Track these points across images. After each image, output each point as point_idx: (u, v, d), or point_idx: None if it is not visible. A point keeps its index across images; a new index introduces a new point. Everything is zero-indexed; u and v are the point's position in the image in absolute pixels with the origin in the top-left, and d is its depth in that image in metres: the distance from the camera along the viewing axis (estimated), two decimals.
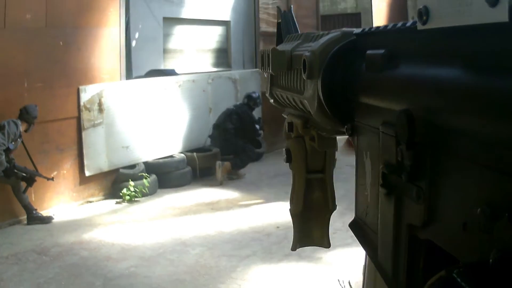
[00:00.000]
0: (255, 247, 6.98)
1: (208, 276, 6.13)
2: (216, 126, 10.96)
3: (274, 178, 10.40)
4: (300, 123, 1.06)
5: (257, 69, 13.21)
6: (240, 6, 13.33)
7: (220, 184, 10.40)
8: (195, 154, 10.77)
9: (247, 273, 6.20)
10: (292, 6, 1.43)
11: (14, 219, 7.95)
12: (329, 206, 1.15)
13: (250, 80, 12.74)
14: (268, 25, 13.42)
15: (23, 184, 7.81)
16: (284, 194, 9.11)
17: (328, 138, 1.01)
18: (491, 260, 0.42)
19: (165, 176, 10.05)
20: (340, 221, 6.36)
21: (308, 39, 1.00)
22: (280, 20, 1.37)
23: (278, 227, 7.54)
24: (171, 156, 10.50)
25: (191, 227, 7.81)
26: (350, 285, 4.45)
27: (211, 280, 6.02)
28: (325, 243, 1.17)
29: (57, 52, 8.47)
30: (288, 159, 1.15)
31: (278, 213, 8.07)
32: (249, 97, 11.14)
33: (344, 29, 0.87)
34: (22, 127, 7.66)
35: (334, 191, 1.18)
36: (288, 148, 1.14)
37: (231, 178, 10.70)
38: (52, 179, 8.22)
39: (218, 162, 10.57)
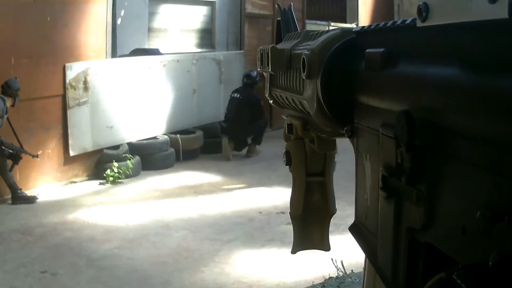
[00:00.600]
0: (237, 231, 7.01)
1: (191, 259, 6.16)
2: (229, 120, 11.04)
3: (257, 163, 10.44)
4: (300, 124, 1.05)
5: (242, 51, 13.16)
6: None
7: (227, 160, 10.72)
8: (178, 136, 10.77)
9: (229, 257, 6.23)
10: (292, 4, 1.44)
11: None
12: (329, 209, 1.14)
13: (234, 61, 12.70)
14: (253, 7, 13.36)
15: (9, 162, 7.78)
16: (266, 180, 9.17)
17: (328, 140, 1.00)
18: (490, 263, 0.42)
19: (149, 157, 10.03)
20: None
21: (308, 37, 0.99)
22: (279, 18, 1.37)
23: (260, 212, 7.59)
24: (155, 138, 10.48)
25: (174, 210, 7.83)
26: (342, 265, 4.50)
27: (194, 263, 6.05)
28: (325, 246, 1.17)
29: (44, 28, 8.40)
30: (288, 162, 1.13)
31: (261, 198, 8.12)
32: (248, 76, 11.22)
33: (344, 27, 0.87)
34: (8, 102, 7.63)
35: (334, 194, 1.18)
36: (288, 150, 1.12)
37: (249, 156, 11.01)
38: (37, 156, 8.19)
39: (224, 140, 10.81)
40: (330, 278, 4.44)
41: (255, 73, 11.07)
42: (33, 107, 8.31)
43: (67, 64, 8.81)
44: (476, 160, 0.46)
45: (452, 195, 0.51)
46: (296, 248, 1.18)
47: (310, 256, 5.79)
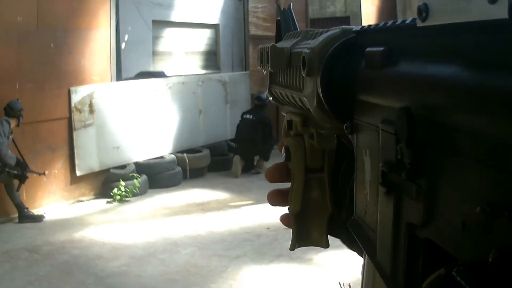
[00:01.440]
0: (245, 247, 6.99)
1: (199, 275, 6.14)
2: (241, 140, 11.12)
3: (264, 180, 10.24)
4: (299, 121, 1.03)
5: (247, 72, 13.22)
6: (229, 9, 13.33)
7: (235, 177, 10.79)
8: (185, 155, 10.80)
9: (237, 273, 6.21)
10: (291, 4, 1.44)
11: (5, 217, 7.95)
12: (328, 206, 1.14)
13: (239, 82, 12.77)
14: (257, 29, 13.43)
15: (16, 182, 7.82)
16: None
17: (328, 136, 0.98)
18: (490, 259, 0.41)
19: (156, 176, 10.05)
20: None
21: (308, 36, 0.98)
22: (279, 18, 1.36)
23: (268, 228, 7.56)
24: (162, 157, 10.50)
25: (181, 227, 7.82)
26: None
27: (202, 279, 6.03)
28: (324, 243, 1.16)
29: (48, 54, 8.48)
30: (287, 158, 1.14)
31: (268, 214, 8.09)
32: (258, 98, 11.36)
33: (344, 26, 0.85)
34: (12, 123, 7.70)
35: (332, 191, 1.17)
36: (287, 146, 1.09)
37: (258, 172, 11.08)
38: (44, 173, 8.22)
39: (236, 157, 10.91)
40: None
41: (265, 95, 11.12)
42: (39, 130, 8.36)
43: (72, 88, 8.88)
44: (476, 156, 0.46)
45: (452, 190, 0.51)
46: (295, 244, 1.17)
47: (319, 273, 5.82)
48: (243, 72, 13.29)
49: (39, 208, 8.36)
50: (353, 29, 0.80)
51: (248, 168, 11.17)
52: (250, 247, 7.01)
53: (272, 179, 1.07)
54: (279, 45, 1.05)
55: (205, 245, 7.10)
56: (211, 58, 13.34)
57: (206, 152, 11.23)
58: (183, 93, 11.14)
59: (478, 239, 0.45)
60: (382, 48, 0.64)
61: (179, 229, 7.73)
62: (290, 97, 1.01)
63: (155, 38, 11.86)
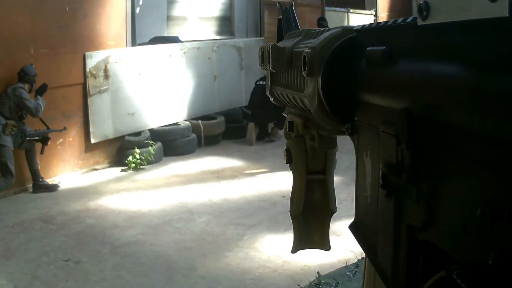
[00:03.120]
0: (261, 216, 7.00)
1: (215, 244, 6.15)
2: (255, 106, 11.08)
3: (279, 148, 10.38)
4: (301, 122, 1.05)
5: (262, 38, 13.16)
6: None
7: (250, 145, 10.87)
8: (200, 122, 10.80)
9: (253, 241, 6.22)
10: (293, 2, 1.42)
11: (19, 187, 7.94)
12: (330, 207, 1.14)
13: (254, 48, 12.66)
14: None
15: (38, 147, 7.84)
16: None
17: (329, 138, 1.01)
18: (490, 261, 0.42)
19: (171, 143, 10.07)
20: (345, 192, 6.42)
21: (309, 35, 1.00)
22: (280, 17, 1.37)
23: (283, 196, 7.55)
24: (176, 124, 10.51)
25: (197, 195, 7.83)
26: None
27: (218, 248, 6.05)
28: (326, 246, 1.16)
29: (63, 18, 8.43)
30: (289, 160, 1.13)
31: (284, 182, 8.07)
32: None
33: (344, 25, 0.87)
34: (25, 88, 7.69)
35: (334, 192, 1.17)
36: (289, 148, 1.13)
37: (273, 140, 11.15)
38: (65, 128, 8.26)
39: (251, 124, 10.95)
40: (360, 259, 4.41)
41: None
42: (53, 96, 8.32)
43: (87, 53, 8.84)
44: (476, 158, 0.46)
45: (452, 193, 0.51)
46: (297, 247, 1.18)
47: (334, 240, 5.78)
48: (258, 38, 13.22)
49: (53, 178, 8.39)
50: (354, 28, 0.80)
51: (263, 136, 11.18)
52: (266, 215, 7.02)
53: None
54: (280, 44, 1.08)
55: (221, 213, 7.12)
56: (226, 24, 13.29)
57: (220, 119, 11.24)
58: (198, 58, 11.11)
59: (478, 241, 0.46)
60: (382, 48, 0.65)
61: (194, 197, 7.75)
62: (291, 98, 1.04)
63: (170, 3, 11.82)
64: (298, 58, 0.90)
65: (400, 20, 0.62)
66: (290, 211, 1.14)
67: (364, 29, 0.75)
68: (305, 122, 1.03)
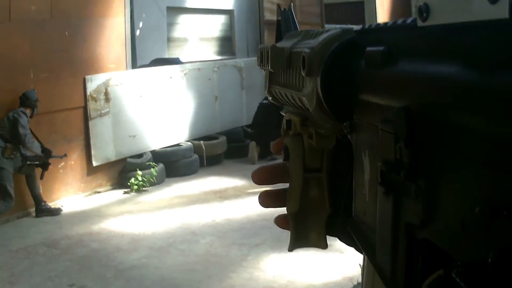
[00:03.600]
0: (264, 235, 6.96)
1: (219, 265, 6.13)
2: (257, 125, 11.10)
3: None
4: (299, 120, 1.02)
5: None
6: None
7: (252, 163, 10.74)
8: (202, 142, 10.81)
9: (258, 261, 6.20)
10: (292, 4, 1.41)
11: (22, 211, 7.93)
12: (327, 206, 1.12)
13: (255, 68, 12.62)
14: (272, 14, 13.40)
15: (38, 172, 7.82)
16: None
17: (327, 136, 0.96)
18: (489, 259, 0.41)
19: (173, 164, 10.06)
20: None
21: (308, 36, 0.96)
22: (279, 18, 1.36)
23: None
24: (178, 145, 10.51)
25: (200, 216, 7.81)
26: None
27: (222, 269, 6.02)
28: (322, 244, 1.14)
29: (62, 42, 8.46)
30: (286, 157, 1.13)
31: None
32: None
33: (344, 26, 0.88)
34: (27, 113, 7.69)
35: (331, 190, 1.16)
36: (286, 146, 1.11)
37: (275, 158, 10.97)
38: (65, 155, 8.25)
39: (252, 143, 10.92)
40: (358, 283, 4.39)
41: None
42: (54, 119, 8.35)
43: (87, 77, 8.86)
44: (475, 156, 0.45)
45: (451, 191, 0.50)
46: (293, 245, 1.15)
47: (339, 257, 5.80)
48: None
49: (56, 201, 8.37)
50: (353, 29, 0.79)
51: (265, 154, 11.13)
52: (269, 234, 6.97)
53: (259, 182, 1.06)
54: (279, 45, 1.05)
55: (224, 233, 7.10)
56: (226, 44, 13.35)
57: (222, 138, 11.25)
58: (199, 79, 11.12)
59: (478, 240, 0.45)
60: (382, 48, 0.64)
61: (198, 218, 7.73)
62: (290, 97, 1.00)
63: (170, 25, 11.88)
64: (297, 58, 0.88)
65: (400, 21, 0.61)
66: (286, 209, 1.13)
67: (363, 30, 0.74)
68: (303, 120, 1.00)
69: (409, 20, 0.58)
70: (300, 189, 1.08)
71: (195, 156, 10.56)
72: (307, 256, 6.05)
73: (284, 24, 1.32)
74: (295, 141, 1.07)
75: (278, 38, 1.29)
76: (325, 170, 1.08)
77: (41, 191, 7.91)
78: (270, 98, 1.19)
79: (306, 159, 1.06)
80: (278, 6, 1.39)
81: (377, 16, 17.33)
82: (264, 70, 1.11)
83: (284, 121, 1.12)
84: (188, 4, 12.18)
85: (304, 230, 1.12)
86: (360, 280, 4.22)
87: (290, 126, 1.09)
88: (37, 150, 7.73)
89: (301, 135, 1.07)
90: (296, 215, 1.11)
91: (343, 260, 5.28)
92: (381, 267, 0.67)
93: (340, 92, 0.77)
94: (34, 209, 7.95)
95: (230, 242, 6.76)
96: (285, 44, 1.04)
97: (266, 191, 1.05)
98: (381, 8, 17.40)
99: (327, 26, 14.72)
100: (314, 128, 0.97)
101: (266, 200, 1.05)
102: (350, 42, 0.78)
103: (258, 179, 1.06)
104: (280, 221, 1.05)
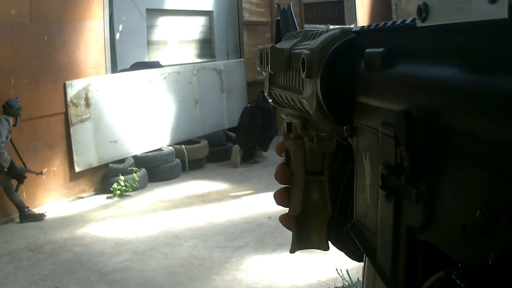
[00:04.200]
0: (247, 237, 7.00)
1: (202, 267, 6.15)
2: (241, 128, 11.18)
3: (263, 169, 10.44)
4: (299, 123, 1.02)
5: (242, 59, 13.17)
6: None
7: (234, 167, 10.82)
8: (183, 146, 10.79)
9: (241, 263, 6.22)
10: (291, 3, 1.42)
11: (6, 217, 7.93)
12: (328, 208, 1.13)
13: (235, 70, 12.72)
14: (251, 15, 13.38)
15: (14, 182, 7.79)
16: (273, 185, 8.93)
17: (327, 139, 0.97)
18: (490, 262, 0.42)
19: (155, 169, 10.06)
20: None
21: (307, 37, 0.97)
22: (279, 18, 1.36)
23: (269, 218, 7.56)
24: (160, 149, 10.50)
25: (183, 219, 7.83)
26: (348, 274, 4.47)
27: (205, 271, 6.04)
28: (324, 246, 1.16)
29: (42, 47, 8.43)
30: (287, 161, 1.13)
31: (269, 203, 8.07)
32: (263, 91, 11.35)
33: (344, 26, 0.85)
34: (10, 121, 7.64)
35: (332, 193, 1.17)
36: (287, 149, 1.09)
37: (257, 161, 11.13)
38: (42, 173, 8.20)
39: (236, 146, 10.96)
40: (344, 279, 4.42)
41: None
42: (36, 126, 8.32)
43: (67, 82, 8.82)
44: (475, 159, 0.46)
45: (452, 194, 0.51)
46: (295, 247, 1.16)
47: (322, 258, 5.83)
48: (238, 59, 13.24)
49: (39, 207, 8.35)
50: (353, 30, 0.79)
51: (247, 158, 11.16)
52: (252, 237, 7.02)
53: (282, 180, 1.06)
54: (278, 45, 1.04)
55: (207, 236, 7.11)
56: (206, 46, 13.29)
57: (204, 142, 11.24)
58: (179, 83, 11.12)
59: (478, 242, 0.45)
60: (381, 49, 0.64)
61: (180, 221, 7.74)
62: (290, 99, 1.00)
63: (149, 27, 11.82)
64: (297, 59, 0.89)
65: (399, 21, 0.61)
66: (288, 211, 1.14)
67: (363, 31, 0.74)
68: (304, 123, 1.01)
69: (408, 21, 0.59)
70: (302, 192, 1.10)
71: (177, 160, 10.55)
72: (290, 257, 6.08)
73: (283, 24, 1.32)
74: (296, 144, 1.08)
75: (278, 38, 1.29)
76: (326, 173, 1.10)
77: (21, 198, 7.88)
78: (271, 100, 1.21)
79: (307, 162, 1.08)
80: (278, 5, 1.40)
81: (357, 15, 17.32)
82: (264, 71, 1.12)
83: (284, 124, 1.13)
84: (168, 6, 12.13)
85: (306, 232, 1.14)
86: (341, 283, 4.25)
87: (291, 129, 1.10)
88: (5, 163, 7.56)
89: (302, 138, 1.09)
90: (298, 218, 1.13)
91: (326, 262, 5.31)
92: (382, 269, 0.67)
93: (340, 95, 0.77)
94: (18, 215, 7.93)
95: (213, 245, 6.78)
96: (284, 45, 1.04)
97: (282, 188, 1.05)
98: (361, 8, 17.38)
99: (306, 26, 14.70)
100: (315, 131, 0.98)
101: (283, 198, 1.05)
102: (350, 43, 0.79)
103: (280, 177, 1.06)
104: (284, 220, 1.06)
